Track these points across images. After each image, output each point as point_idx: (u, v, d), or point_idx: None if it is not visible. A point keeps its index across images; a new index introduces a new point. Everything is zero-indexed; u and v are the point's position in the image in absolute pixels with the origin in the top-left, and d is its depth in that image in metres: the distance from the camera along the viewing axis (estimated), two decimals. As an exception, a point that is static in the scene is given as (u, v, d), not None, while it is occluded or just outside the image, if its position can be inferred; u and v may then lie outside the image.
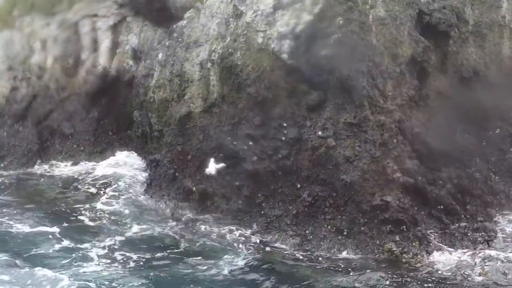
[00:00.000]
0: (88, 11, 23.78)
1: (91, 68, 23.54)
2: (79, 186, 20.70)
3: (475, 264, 15.79)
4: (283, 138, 17.78)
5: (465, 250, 16.39)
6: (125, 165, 21.62)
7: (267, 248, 16.86)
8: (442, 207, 17.24)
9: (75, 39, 23.61)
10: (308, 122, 17.53)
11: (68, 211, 18.99)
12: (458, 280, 15.31)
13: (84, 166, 22.12)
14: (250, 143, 18.13)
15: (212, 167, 18.56)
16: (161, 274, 15.64)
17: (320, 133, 17.28)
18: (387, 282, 15.13)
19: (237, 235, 17.44)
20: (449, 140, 18.06)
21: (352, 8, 17.51)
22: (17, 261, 15.87)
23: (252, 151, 18.06)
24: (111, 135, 23.18)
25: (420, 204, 17.00)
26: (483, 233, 16.75)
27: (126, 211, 18.83)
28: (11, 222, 18.16)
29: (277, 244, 17.02)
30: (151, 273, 15.64)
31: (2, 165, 22.17)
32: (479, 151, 18.55)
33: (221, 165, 18.46)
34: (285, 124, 17.81)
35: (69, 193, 20.23)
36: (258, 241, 17.11)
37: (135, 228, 17.95)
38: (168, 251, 16.85)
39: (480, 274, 15.38)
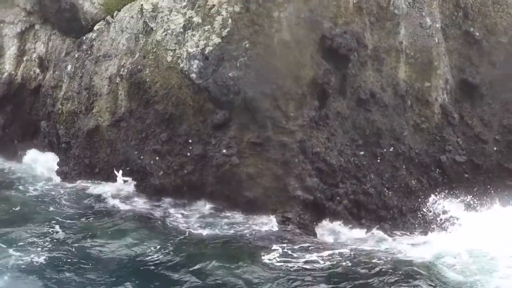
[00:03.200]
0: (-5, 17, 23.71)
1: (-4, 74, 23.45)
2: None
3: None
4: (189, 154, 18.41)
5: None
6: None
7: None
8: (339, 222, 18.20)
9: (-19, 45, 23.48)
10: (213, 140, 18.21)
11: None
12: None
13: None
14: (157, 158, 18.67)
15: (119, 181, 19.08)
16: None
17: (224, 151, 17.98)
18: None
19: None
20: (347, 158, 19.11)
21: (258, 32, 18.28)
22: None
23: (159, 166, 18.60)
24: (16, 144, 23.15)
25: (319, 219, 17.92)
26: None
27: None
28: None
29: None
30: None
31: None
32: (374, 168, 19.62)
33: (128, 179, 18.97)
34: (190, 141, 18.44)
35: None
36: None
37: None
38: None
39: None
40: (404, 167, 19.99)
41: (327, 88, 19.09)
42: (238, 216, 18.10)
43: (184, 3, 19.16)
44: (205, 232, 17.31)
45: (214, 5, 18.65)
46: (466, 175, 20.29)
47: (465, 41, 21.04)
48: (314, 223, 17.86)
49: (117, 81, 19.72)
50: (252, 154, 17.88)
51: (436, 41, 20.51)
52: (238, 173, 17.79)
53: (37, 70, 23.42)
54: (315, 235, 17.66)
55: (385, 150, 19.83)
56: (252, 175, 17.76)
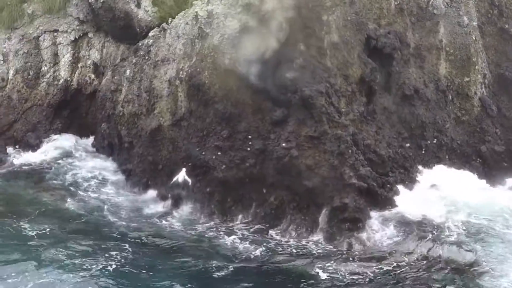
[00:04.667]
0: (49, 27, 24.99)
1: (52, 80, 24.69)
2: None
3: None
4: (249, 149, 19.72)
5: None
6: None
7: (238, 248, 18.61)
8: (390, 206, 19.53)
9: (36, 53, 24.72)
10: (272, 135, 19.52)
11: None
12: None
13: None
14: (219, 153, 19.96)
15: (182, 176, 20.40)
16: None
17: (284, 144, 19.27)
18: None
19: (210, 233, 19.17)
20: (394, 149, 20.46)
21: (310, 34, 19.61)
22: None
23: (221, 160, 19.90)
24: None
25: (373, 204, 19.28)
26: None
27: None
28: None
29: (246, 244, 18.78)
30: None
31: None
32: (419, 158, 20.99)
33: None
34: (250, 137, 19.75)
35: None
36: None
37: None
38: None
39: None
40: (447, 157, 21.36)
41: (373, 85, 20.48)
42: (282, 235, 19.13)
43: (239, 9, 20.39)
44: (254, 251, 18.34)
45: (268, 11, 19.92)
46: (505, 164, 21.64)
47: (501, 38, 22.50)
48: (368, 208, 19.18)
49: (177, 84, 20.98)
50: (310, 146, 19.18)
51: (474, 38, 21.87)
52: (297, 164, 19.10)
53: (92, 76, 24.72)
54: (369, 217, 18.91)
55: (429, 141, 21.22)
56: (310, 166, 19.04)
